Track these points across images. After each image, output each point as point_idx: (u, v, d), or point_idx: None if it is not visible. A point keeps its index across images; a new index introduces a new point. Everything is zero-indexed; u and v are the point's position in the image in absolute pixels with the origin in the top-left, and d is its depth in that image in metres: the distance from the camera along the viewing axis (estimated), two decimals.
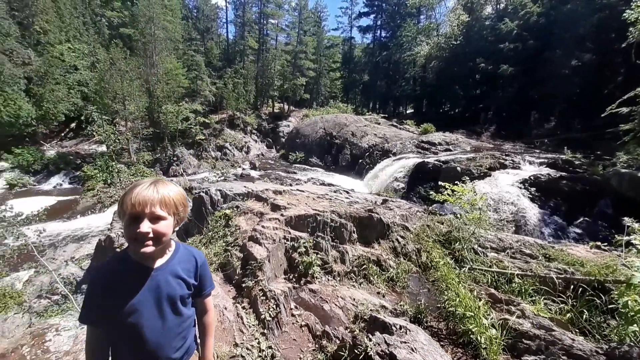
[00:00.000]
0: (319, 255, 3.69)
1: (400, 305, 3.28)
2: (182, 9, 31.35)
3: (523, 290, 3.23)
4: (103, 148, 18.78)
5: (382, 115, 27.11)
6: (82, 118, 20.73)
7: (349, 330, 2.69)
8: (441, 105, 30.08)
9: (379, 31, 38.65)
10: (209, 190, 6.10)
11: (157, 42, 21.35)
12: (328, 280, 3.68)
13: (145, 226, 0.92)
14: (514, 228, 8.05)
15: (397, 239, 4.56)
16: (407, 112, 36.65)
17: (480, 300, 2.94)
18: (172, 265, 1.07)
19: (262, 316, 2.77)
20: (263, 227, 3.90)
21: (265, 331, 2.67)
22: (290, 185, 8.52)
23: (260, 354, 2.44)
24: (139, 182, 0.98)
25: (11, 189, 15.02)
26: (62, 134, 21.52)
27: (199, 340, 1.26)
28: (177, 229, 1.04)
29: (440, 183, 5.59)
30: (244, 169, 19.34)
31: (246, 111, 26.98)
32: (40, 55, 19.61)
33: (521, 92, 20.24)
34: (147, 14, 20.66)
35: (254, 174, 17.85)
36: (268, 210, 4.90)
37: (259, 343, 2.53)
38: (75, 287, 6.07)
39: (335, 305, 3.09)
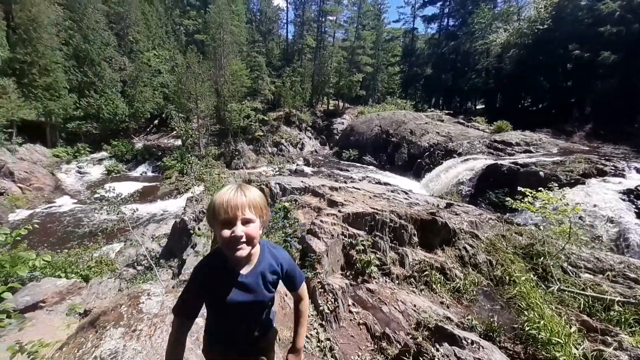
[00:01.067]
0: (377, 255, 3.65)
1: (468, 320, 3.05)
2: (247, 13, 33.98)
3: (623, 320, 2.73)
4: (179, 142, 21.67)
5: (446, 111, 25.20)
6: (163, 116, 24.32)
7: (410, 336, 2.60)
8: (520, 99, 26.56)
9: (446, 20, 35.94)
10: (269, 183, 6.54)
11: (225, 45, 23.55)
12: (386, 282, 3.61)
13: (239, 230, 0.96)
14: (612, 248, 6.69)
15: (464, 247, 4.23)
16: (477, 107, 33.37)
17: (570, 326, 2.54)
18: (261, 268, 1.13)
19: (321, 308, 2.87)
20: (321, 221, 4.01)
21: (324, 323, 2.76)
22: (345, 182, 8.57)
23: (318, 344, 2.53)
24: (224, 188, 1.03)
25: (109, 174, 18.44)
26: (147, 129, 25.42)
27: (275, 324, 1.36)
28: (262, 232, 1.10)
29: (519, 189, 4.95)
30: (298, 164, 20.13)
31: (302, 109, 27.96)
32: (132, 61, 23.46)
33: (625, 83, 16.65)
34: (217, 20, 22.94)
35: (308, 170, 18.45)
36: (325, 206, 5.02)
37: (317, 333, 2.62)
38: (155, 261, 7.15)
39: (395, 308, 3.02)
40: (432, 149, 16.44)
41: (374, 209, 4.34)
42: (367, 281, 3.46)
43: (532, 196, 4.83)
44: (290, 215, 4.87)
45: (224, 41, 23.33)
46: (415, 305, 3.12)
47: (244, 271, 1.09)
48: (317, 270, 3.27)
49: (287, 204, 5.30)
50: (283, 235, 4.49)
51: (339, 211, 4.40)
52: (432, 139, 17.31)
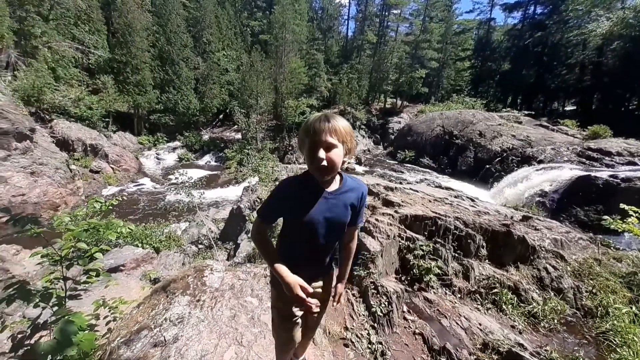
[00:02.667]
0: (437, 264, 3.39)
1: (546, 351, 2.64)
2: (309, 12, 34.94)
3: None
4: (239, 136, 23.48)
5: (525, 112, 22.21)
6: (227, 111, 26.63)
7: (475, 357, 2.35)
8: (623, 101, 22.09)
9: (532, 7, 31.66)
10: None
11: (287, 44, 24.63)
12: (445, 293, 3.35)
13: (322, 153, 1.06)
14: None
15: (545, 268, 3.68)
16: (565, 109, 28.79)
17: None
18: (344, 192, 1.24)
19: (373, 309, 2.78)
20: (377, 220, 3.90)
21: (376, 325, 2.67)
22: (400, 183, 8.21)
23: (370, 345, 2.46)
24: (310, 117, 1.14)
25: (180, 161, 20.97)
26: (213, 123, 28.09)
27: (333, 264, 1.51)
28: (348, 160, 1.19)
29: (622, 206, 4.10)
30: (349, 162, 19.97)
31: (357, 106, 27.71)
32: (205, 61, 26.09)
33: None
34: (281, 19, 24.09)
35: (359, 168, 18.24)
36: (379, 205, 4.87)
37: (368, 334, 2.55)
38: (214, 242, 7.88)
39: (457, 324, 2.77)
40: (505, 154, 14.69)
41: (435, 213, 4.05)
42: (425, 290, 3.25)
43: (637, 216, 3.97)
44: None
45: (285, 40, 24.41)
46: (480, 324, 2.81)
47: (329, 189, 1.21)
48: (370, 270, 3.18)
49: None
50: None
51: (396, 212, 4.22)
52: (505, 142, 15.47)
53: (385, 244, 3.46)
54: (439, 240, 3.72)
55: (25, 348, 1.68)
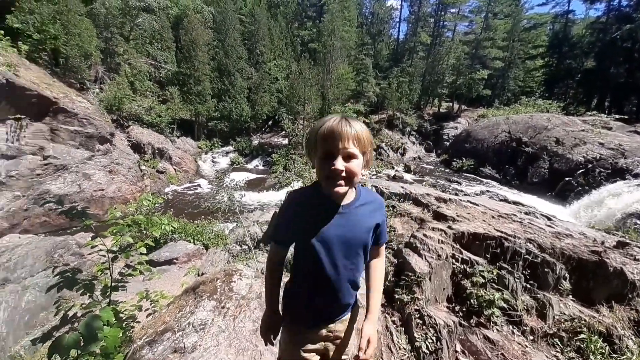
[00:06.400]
0: (502, 295, 2.79)
1: None
2: (358, 17, 34.90)
3: None
4: (286, 141, 24.26)
5: (615, 116, 18.70)
6: (276, 117, 27.78)
7: None
8: None
9: None
10: (364, 184, 6.27)
11: (334, 51, 24.85)
12: (513, 333, 2.73)
13: (339, 163, 0.90)
14: None
15: None
16: None
17: None
18: (360, 205, 1.06)
19: (417, 344, 2.35)
20: (425, 236, 3.41)
21: None
22: (455, 194, 7.38)
23: None
24: (325, 118, 0.97)
25: (232, 165, 22.48)
26: (263, 129, 29.55)
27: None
28: (365, 171, 1.01)
29: None
30: (397, 170, 19.09)
31: (407, 111, 26.53)
32: (257, 71, 27.71)
33: None
34: (330, 27, 24.45)
35: (408, 177, 17.21)
36: (429, 218, 4.34)
37: None
38: (256, 243, 8.04)
39: None
40: (589, 165, 12.42)
41: (501, 232, 3.40)
42: (485, 326, 2.68)
43: None
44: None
45: (333, 47, 24.65)
46: None
47: (343, 202, 1.04)
48: (415, 295, 2.74)
49: None
50: None
51: (449, 227, 3.67)
52: (590, 151, 13.10)
53: (435, 266, 2.97)
54: (504, 265, 3.08)
55: (52, 340, 1.70)
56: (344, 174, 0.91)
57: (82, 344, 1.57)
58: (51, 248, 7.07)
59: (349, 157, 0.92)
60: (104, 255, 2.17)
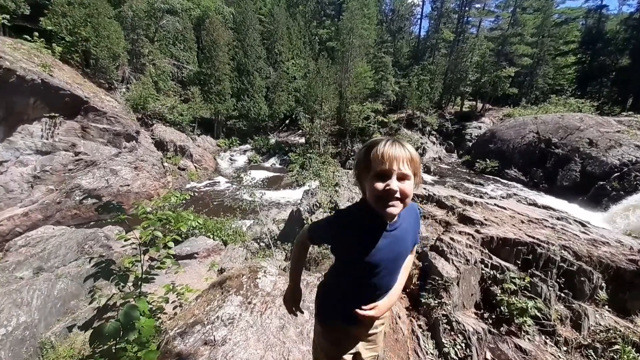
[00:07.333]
0: (535, 303, 2.68)
1: None
2: (378, 15, 34.39)
3: None
4: (303, 140, 24.37)
5: None
6: (293, 116, 27.95)
7: None
8: None
9: None
10: None
11: (353, 49, 24.64)
12: (546, 343, 2.63)
13: (394, 184, 0.91)
14: None
15: None
16: None
17: None
18: (404, 221, 1.10)
19: (445, 349, 2.31)
20: (452, 239, 3.34)
21: None
22: (480, 197, 7.15)
23: None
24: (376, 139, 0.99)
25: (249, 163, 22.84)
26: (280, 128, 29.84)
27: None
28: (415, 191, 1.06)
29: None
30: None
31: (427, 110, 25.92)
32: (275, 70, 27.96)
33: None
34: (349, 25, 24.24)
35: (427, 178, 16.87)
36: (455, 221, 4.24)
37: None
38: (273, 241, 8.17)
39: None
40: (626, 169, 11.68)
41: (533, 237, 3.27)
42: (515, 334, 2.59)
43: None
44: None
45: (352, 45, 24.44)
46: None
47: (391, 222, 1.06)
48: (442, 300, 2.69)
49: None
50: None
51: (477, 231, 3.57)
52: (627, 154, 12.31)
53: (463, 270, 2.91)
54: (537, 273, 2.97)
55: (92, 329, 1.79)
56: (397, 195, 0.92)
57: (121, 332, 1.66)
58: (82, 239, 7.50)
59: (402, 177, 0.94)
60: (135, 248, 2.27)
